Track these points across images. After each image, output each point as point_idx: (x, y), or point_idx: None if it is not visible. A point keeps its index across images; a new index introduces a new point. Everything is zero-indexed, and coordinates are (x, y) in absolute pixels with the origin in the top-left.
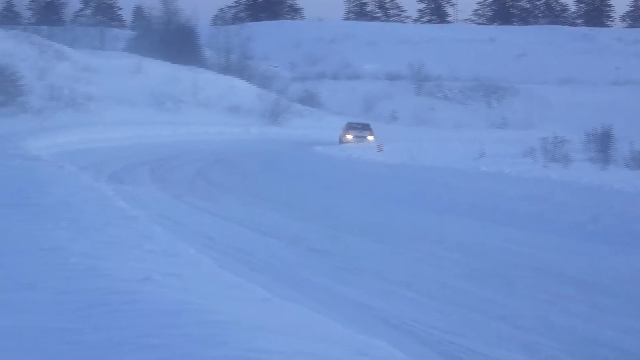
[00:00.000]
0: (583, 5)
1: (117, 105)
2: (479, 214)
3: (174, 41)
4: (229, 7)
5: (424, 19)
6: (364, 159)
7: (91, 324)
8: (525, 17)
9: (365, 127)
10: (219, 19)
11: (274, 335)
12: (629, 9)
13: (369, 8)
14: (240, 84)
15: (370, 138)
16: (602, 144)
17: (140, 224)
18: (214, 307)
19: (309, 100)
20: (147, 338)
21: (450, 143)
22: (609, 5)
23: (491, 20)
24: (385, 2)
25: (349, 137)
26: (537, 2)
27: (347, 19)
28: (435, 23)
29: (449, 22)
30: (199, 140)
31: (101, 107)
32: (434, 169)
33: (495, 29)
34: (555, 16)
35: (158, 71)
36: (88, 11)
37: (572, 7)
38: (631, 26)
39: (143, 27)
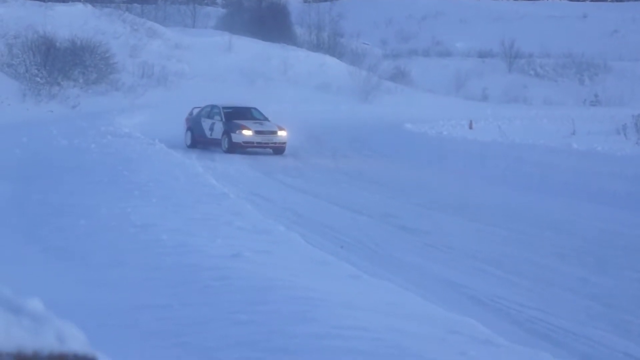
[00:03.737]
0: None
1: (208, 82)
2: (570, 192)
3: (265, 19)
4: None
5: None
6: (454, 136)
7: (181, 300)
8: None
9: (260, 117)
10: None
11: (363, 312)
12: None
13: None
14: (330, 61)
15: (282, 134)
16: None
17: (230, 201)
18: (303, 283)
19: (400, 77)
20: (237, 314)
21: (541, 120)
22: None
23: None
24: None
25: (248, 133)
26: None
27: None
28: (527, 0)
29: None
30: (289, 117)
31: (192, 84)
32: (525, 147)
33: (588, 5)
34: None
35: (248, 49)
36: None
37: None
38: None
39: (234, 4)
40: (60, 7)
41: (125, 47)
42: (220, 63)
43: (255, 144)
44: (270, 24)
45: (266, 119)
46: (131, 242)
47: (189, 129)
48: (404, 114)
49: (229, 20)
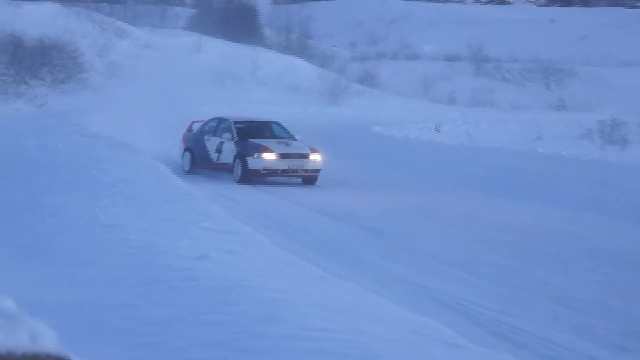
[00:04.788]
0: None
1: (177, 82)
2: (535, 195)
3: (235, 20)
4: None
5: (484, 0)
6: (421, 139)
7: (149, 300)
8: None
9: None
10: None
11: (329, 313)
12: None
13: None
14: (299, 63)
15: (316, 158)
16: None
17: (197, 201)
18: (270, 284)
19: (368, 80)
20: (204, 315)
21: (508, 124)
22: None
23: (551, 1)
24: None
25: (270, 157)
26: None
27: None
28: (495, 4)
29: (509, 3)
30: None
31: (161, 85)
32: (492, 150)
33: (556, 11)
34: None
35: (218, 50)
36: None
37: None
38: None
39: (203, 5)
40: (29, 6)
41: (94, 47)
42: (189, 64)
43: (279, 172)
44: (240, 25)
45: (292, 137)
46: (99, 241)
47: (187, 149)
48: (373, 116)
49: (199, 21)
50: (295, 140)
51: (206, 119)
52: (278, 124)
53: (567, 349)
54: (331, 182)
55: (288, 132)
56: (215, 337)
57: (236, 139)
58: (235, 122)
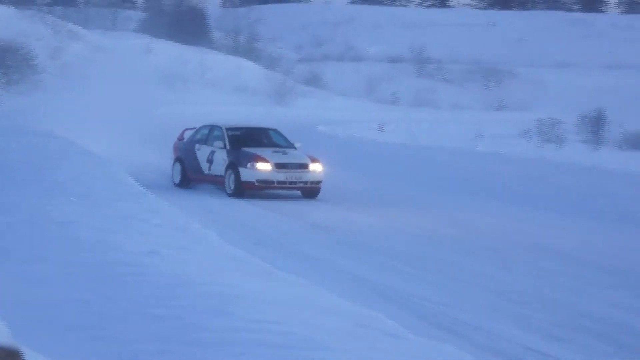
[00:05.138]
0: None
1: (128, 85)
2: (475, 191)
3: (184, 22)
4: None
5: (426, 4)
6: (365, 139)
7: (100, 295)
8: (524, 3)
9: (282, 142)
10: (228, 2)
11: (275, 306)
12: None
13: None
14: (247, 64)
15: (316, 168)
16: (595, 125)
17: (148, 199)
18: (218, 279)
19: (314, 81)
20: (154, 309)
21: (449, 124)
22: None
23: (491, 5)
24: None
25: (265, 167)
26: None
27: (352, 2)
28: (436, 7)
29: (450, 6)
30: (207, 119)
31: (112, 86)
32: (433, 149)
33: (495, 14)
34: (553, 2)
35: (168, 52)
36: None
37: None
38: (626, 12)
39: (154, 8)
40: None
41: (47, 49)
42: (140, 65)
43: (275, 184)
44: (189, 27)
45: (291, 145)
46: (52, 238)
47: (177, 159)
48: (318, 116)
49: (149, 24)
50: (295, 148)
51: (171, 123)
52: (276, 131)
53: (504, 339)
54: None
55: (287, 140)
56: (164, 330)
57: (228, 147)
58: (228, 129)
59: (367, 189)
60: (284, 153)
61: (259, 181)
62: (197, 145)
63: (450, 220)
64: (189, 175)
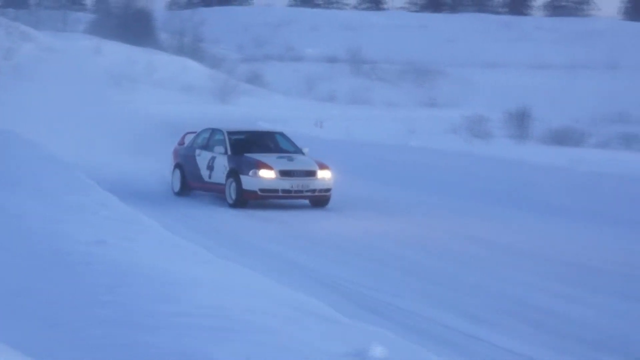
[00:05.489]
0: None
1: (77, 85)
2: (406, 183)
3: (132, 24)
4: None
5: (362, 6)
6: (304, 135)
7: (51, 284)
8: (455, 6)
9: (289, 147)
10: (174, 4)
11: (218, 292)
12: None
13: None
14: (192, 65)
15: (325, 175)
16: (520, 122)
17: (97, 192)
18: (163, 267)
19: (256, 80)
20: (101, 296)
21: (383, 121)
22: None
23: (423, 8)
24: None
25: (268, 175)
26: None
27: (292, 5)
28: (372, 10)
29: (384, 9)
30: (156, 117)
31: (62, 87)
32: (368, 144)
33: (427, 17)
34: (482, 5)
35: (116, 52)
36: None
37: None
38: (550, 15)
39: (103, 10)
40: None
41: (0, 50)
42: (89, 66)
43: (280, 193)
44: (137, 29)
45: (298, 150)
46: (5, 229)
47: (177, 166)
48: (259, 113)
49: (98, 25)
50: (302, 154)
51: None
52: (282, 135)
53: (439, 324)
54: None
55: (294, 145)
56: (112, 315)
57: (229, 153)
58: (230, 133)
59: None
60: (290, 159)
61: (262, 190)
62: (197, 151)
63: (384, 211)
64: (189, 183)
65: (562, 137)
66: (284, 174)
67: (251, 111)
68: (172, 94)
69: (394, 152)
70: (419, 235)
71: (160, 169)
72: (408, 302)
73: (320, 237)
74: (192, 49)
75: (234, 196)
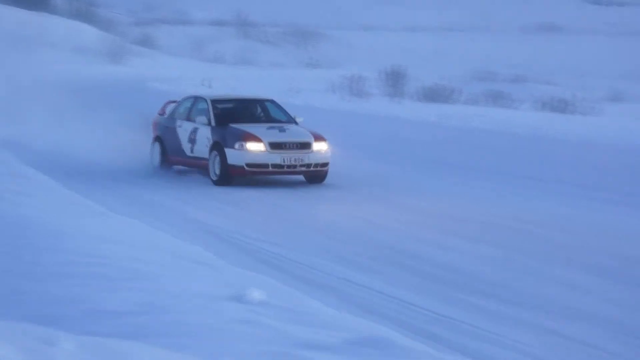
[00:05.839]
0: None
1: None
2: None
3: None
4: None
5: None
6: (191, 93)
7: None
8: None
9: (281, 116)
10: None
11: (107, 243)
12: None
13: None
14: (85, 27)
15: (321, 148)
16: (395, 81)
17: None
18: (55, 220)
19: (147, 42)
20: None
21: (268, 80)
22: None
23: None
24: None
25: (256, 147)
26: None
27: None
28: None
29: None
30: (49, 79)
31: None
32: None
33: None
34: None
35: (9, 16)
36: None
37: None
38: None
39: None
40: None
41: None
42: None
43: (270, 168)
44: None
45: (291, 119)
46: None
47: (157, 138)
48: (151, 74)
49: None
50: (296, 123)
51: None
52: (272, 103)
53: (323, 272)
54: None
55: (286, 114)
56: (4, 265)
57: (213, 124)
58: (214, 101)
59: None
60: (282, 130)
61: (249, 165)
62: (178, 122)
63: None
64: (170, 157)
65: (434, 95)
66: (274, 146)
67: (142, 72)
68: (65, 55)
69: None
70: (302, 188)
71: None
72: (290, 252)
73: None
74: (85, 12)
75: (217, 172)
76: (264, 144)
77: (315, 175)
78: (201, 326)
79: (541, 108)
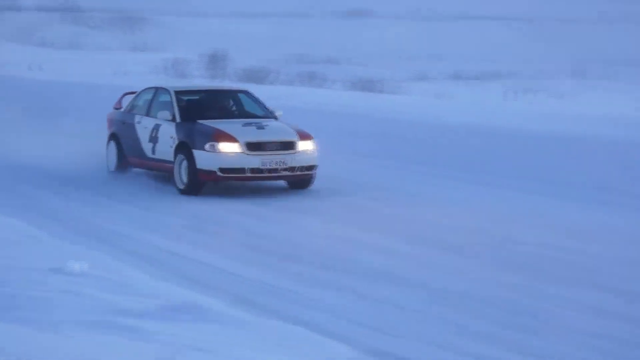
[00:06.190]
0: None
1: None
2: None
3: None
4: None
5: None
6: (20, 76)
7: None
8: None
9: (257, 110)
10: None
11: None
12: None
13: None
14: None
15: (307, 147)
16: (215, 63)
17: None
18: None
19: None
20: None
21: (97, 64)
22: None
23: None
24: None
25: (231, 149)
26: None
27: None
28: None
29: None
30: None
31: None
32: (78, 84)
33: None
34: None
35: None
36: None
37: None
38: None
39: None
40: None
41: None
42: None
43: (247, 174)
44: None
45: (270, 113)
46: None
47: (112, 136)
48: None
49: None
50: (275, 118)
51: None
52: (247, 94)
53: (149, 246)
54: None
55: (263, 107)
56: None
57: (178, 119)
58: (178, 92)
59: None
60: (260, 127)
61: (223, 170)
62: (137, 117)
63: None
64: (128, 158)
65: (254, 76)
66: (252, 147)
67: None
68: None
69: (99, 91)
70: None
71: None
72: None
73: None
74: None
75: (185, 179)
76: (240, 144)
77: (300, 179)
78: (27, 298)
79: (352, 88)
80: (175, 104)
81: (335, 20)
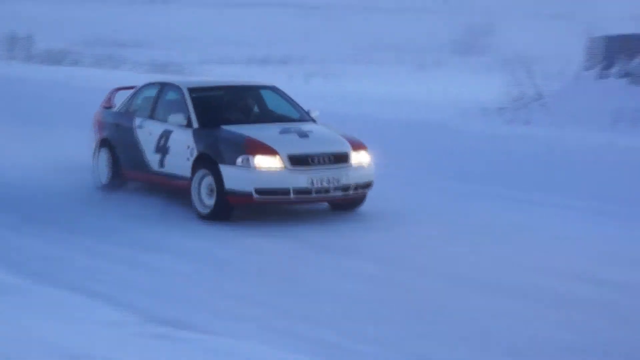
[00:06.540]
0: None
1: None
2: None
3: None
4: None
5: None
6: None
7: None
8: None
9: (292, 113)
10: None
11: None
12: None
13: None
14: None
15: (362, 160)
16: (13, 44)
17: None
18: None
19: None
20: None
21: None
22: None
23: None
24: None
25: (268, 163)
26: None
27: None
28: None
29: None
30: None
31: None
32: None
33: None
34: None
35: None
36: None
37: None
38: None
39: None
40: None
41: None
42: None
43: (292, 196)
44: None
45: (307, 115)
46: None
47: (103, 142)
48: None
49: None
50: (313, 121)
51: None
52: (275, 91)
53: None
54: None
55: (298, 107)
56: None
57: (196, 125)
58: (192, 89)
59: None
60: (302, 134)
61: (260, 191)
62: (137, 120)
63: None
64: (125, 171)
65: (58, 58)
66: (296, 161)
67: None
68: None
69: None
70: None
71: None
72: None
73: None
74: None
75: (208, 201)
76: (281, 158)
77: (351, 199)
78: None
79: (149, 70)
80: (190, 106)
81: (143, 5)
